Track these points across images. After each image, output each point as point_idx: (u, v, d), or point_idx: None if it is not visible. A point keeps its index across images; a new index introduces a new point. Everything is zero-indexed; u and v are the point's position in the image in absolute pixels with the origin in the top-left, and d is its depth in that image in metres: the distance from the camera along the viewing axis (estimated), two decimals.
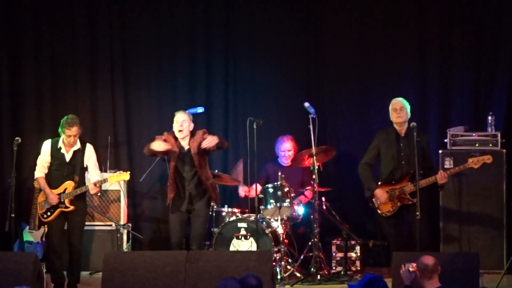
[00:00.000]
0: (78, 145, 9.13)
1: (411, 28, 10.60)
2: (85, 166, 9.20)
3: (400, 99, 9.21)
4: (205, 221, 9.19)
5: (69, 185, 9.07)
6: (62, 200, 9.05)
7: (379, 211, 9.14)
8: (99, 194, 9.34)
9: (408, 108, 9.16)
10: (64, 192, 9.06)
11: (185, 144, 9.02)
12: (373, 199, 9.13)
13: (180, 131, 8.96)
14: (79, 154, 9.13)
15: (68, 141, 9.06)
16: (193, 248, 8.94)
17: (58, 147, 9.13)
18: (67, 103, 10.77)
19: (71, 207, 9.06)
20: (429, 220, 9.44)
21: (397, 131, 9.13)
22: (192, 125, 9.04)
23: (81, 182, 9.11)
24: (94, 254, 10.13)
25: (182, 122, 8.96)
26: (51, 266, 9.19)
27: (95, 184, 9.05)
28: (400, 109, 9.12)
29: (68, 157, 9.11)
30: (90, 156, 9.18)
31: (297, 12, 10.79)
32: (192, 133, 9.03)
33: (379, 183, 9.15)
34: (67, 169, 9.11)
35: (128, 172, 9.35)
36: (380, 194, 9.06)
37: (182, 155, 8.98)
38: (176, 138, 9.02)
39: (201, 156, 8.98)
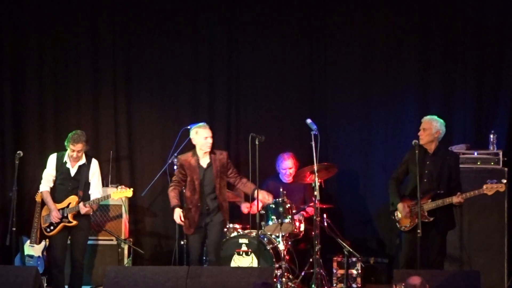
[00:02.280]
0: (83, 160, 9.12)
1: (413, 46, 10.63)
2: (89, 181, 9.19)
3: (427, 118, 9.16)
4: (222, 229, 9.10)
5: (73, 199, 9.06)
6: (66, 215, 9.03)
7: (397, 225, 9.14)
8: (90, 213, 9.21)
9: (435, 128, 9.01)
10: (67, 206, 9.05)
11: (204, 161, 8.96)
12: (395, 213, 9.11)
13: (209, 146, 8.93)
14: (84, 169, 9.12)
15: (71, 155, 9.07)
16: (211, 258, 8.89)
17: (64, 161, 9.12)
18: (69, 118, 10.78)
19: (74, 222, 9.04)
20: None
21: (426, 149, 9.12)
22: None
23: (85, 197, 9.09)
24: (95, 269, 10.10)
25: (211, 137, 8.92)
26: (53, 281, 9.18)
27: (84, 205, 8.99)
28: (422, 129, 9.08)
29: (73, 171, 9.11)
30: (94, 172, 9.16)
31: (300, 29, 10.80)
32: (211, 150, 9.01)
33: (406, 196, 9.12)
34: (71, 184, 9.10)
35: (131, 189, 9.32)
36: (401, 208, 9.04)
37: (201, 170, 8.96)
38: (193, 157, 8.96)
39: (221, 178, 8.95)
